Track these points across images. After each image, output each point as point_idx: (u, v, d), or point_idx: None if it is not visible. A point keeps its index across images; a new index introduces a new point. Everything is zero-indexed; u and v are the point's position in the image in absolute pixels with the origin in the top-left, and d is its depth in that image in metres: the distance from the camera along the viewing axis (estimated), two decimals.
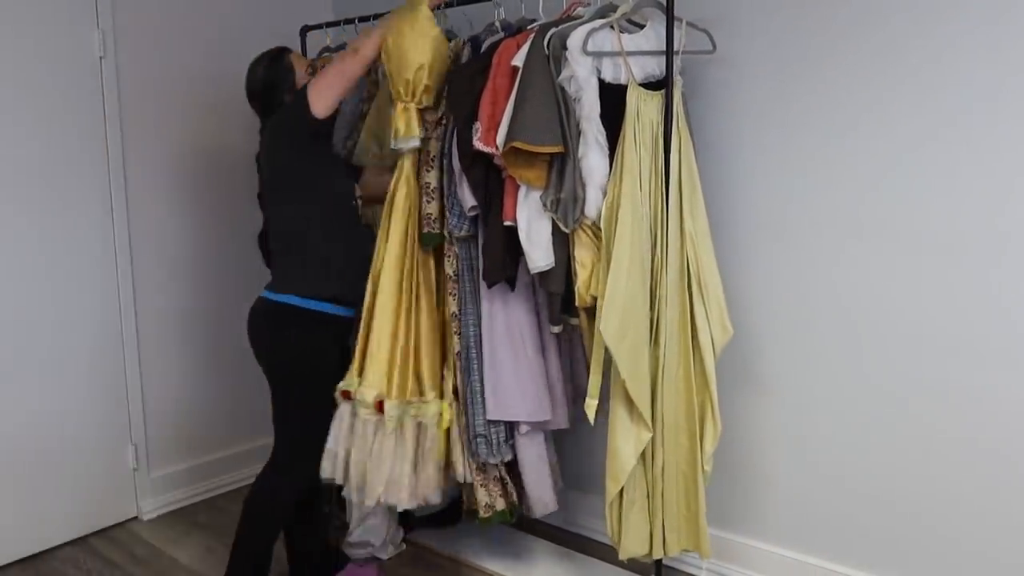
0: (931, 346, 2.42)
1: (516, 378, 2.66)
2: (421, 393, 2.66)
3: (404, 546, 3.13)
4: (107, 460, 3.38)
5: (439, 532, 3.24)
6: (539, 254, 2.41)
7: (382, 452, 2.59)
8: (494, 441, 2.70)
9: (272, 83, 2.66)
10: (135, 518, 3.48)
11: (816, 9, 2.49)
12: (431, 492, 2.66)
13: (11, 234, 3.05)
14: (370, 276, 2.65)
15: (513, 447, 2.76)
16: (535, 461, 2.77)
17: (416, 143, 2.58)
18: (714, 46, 2.60)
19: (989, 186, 2.28)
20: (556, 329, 2.62)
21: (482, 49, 2.64)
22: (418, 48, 2.49)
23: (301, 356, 2.59)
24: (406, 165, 2.62)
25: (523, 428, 2.73)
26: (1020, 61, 2.20)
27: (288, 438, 2.63)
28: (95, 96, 3.24)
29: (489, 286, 2.59)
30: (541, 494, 2.78)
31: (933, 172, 2.36)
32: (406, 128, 2.55)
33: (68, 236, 3.19)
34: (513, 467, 2.80)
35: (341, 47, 3.14)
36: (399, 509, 2.69)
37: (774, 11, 2.57)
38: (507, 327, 2.66)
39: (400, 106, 2.55)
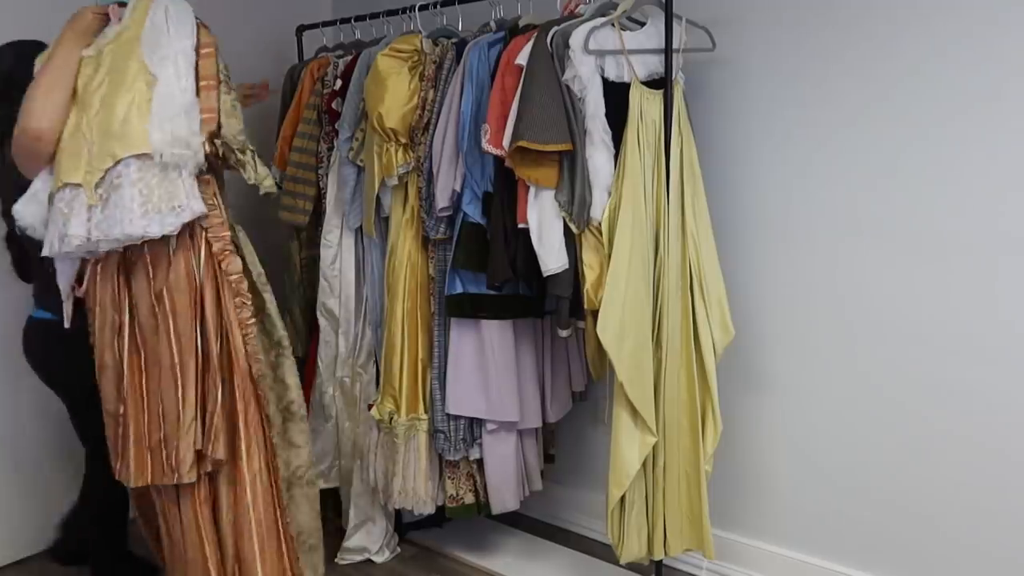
0: (930, 345, 2.41)
1: (478, 376, 2.68)
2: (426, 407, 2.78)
3: (399, 550, 3.12)
4: None
5: (439, 532, 3.23)
6: (551, 256, 2.37)
7: (398, 463, 2.73)
8: (453, 436, 2.73)
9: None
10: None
11: (816, 8, 2.49)
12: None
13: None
14: (386, 291, 2.78)
15: (481, 445, 2.78)
16: (500, 460, 2.77)
17: (395, 180, 2.69)
18: (713, 43, 2.58)
19: (988, 185, 2.27)
20: (564, 333, 2.61)
21: (466, 50, 2.62)
22: (375, 97, 2.64)
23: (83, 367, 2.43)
24: (409, 190, 2.73)
25: (489, 426, 2.73)
26: (1019, 61, 2.19)
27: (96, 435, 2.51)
28: None
29: (488, 286, 2.58)
30: (501, 493, 2.79)
31: (932, 171, 2.35)
32: (386, 167, 2.66)
33: None
34: (483, 463, 2.82)
35: (339, 46, 3.15)
36: (417, 513, 2.83)
37: (775, 11, 2.56)
38: (475, 326, 2.67)
39: (384, 146, 2.66)
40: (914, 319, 2.43)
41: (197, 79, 2.21)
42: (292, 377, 2.45)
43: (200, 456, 2.23)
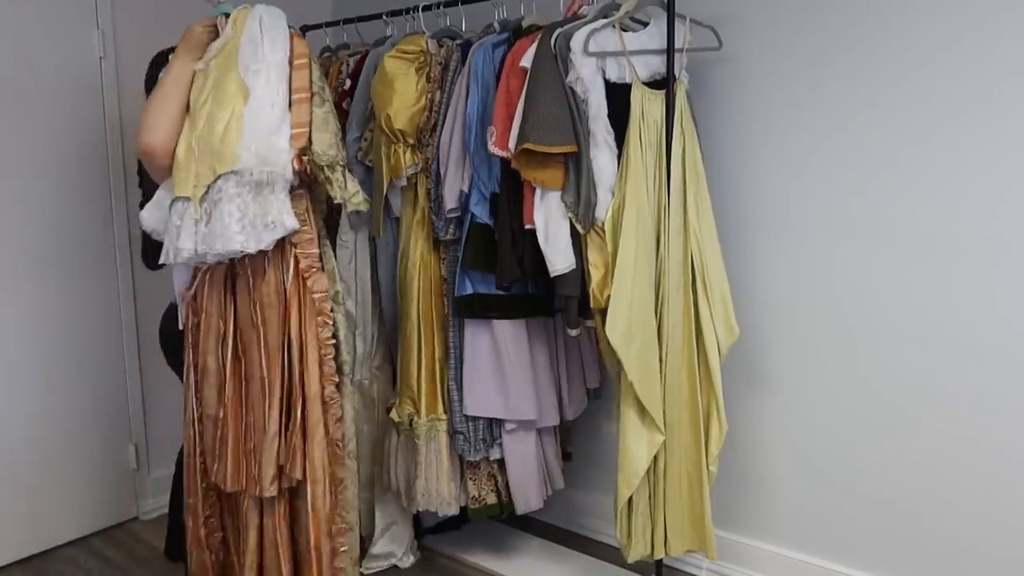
0: (929, 347, 2.42)
1: (495, 376, 2.68)
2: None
3: (420, 553, 3.11)
4: (107, 460, 3.36)
5: (453, 537, 3.23)
6: (558, 257, 2.38)
7: (420, 464, 2.73)
8: (472, 437, 2.73)
9: None
10: (135, 518, 3.46)
11: (810, 12, 2.50)
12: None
13: (11, 234, 3.04)
14: (400, 293, 2.79)
15: (501, 445, 2.77)
16: (521, 459, 2.77)
17: (403, 181, 2.69)
18: (720, 43, 2.58)
19: (981, 187, 2.29)
20: (574, 332, 2.61)
21: (470, 52, 2.62)
22: (383, 98, 2.64)
23: None
24: (418, 192, 2.73)
25: (508, 426, 2.74)
26: (1014, 63, 2.21)
27: None
28: (95, 96, 3.24)
29: (497, 286, 2.59)
30: (525, 492, 2.79)
31: (927, 174, 2.37)
32: (394, 167, 2.65)
33: (68, 236, 3.18)
34: (504, 464, 2.82)
35: (343, 47, 3.15)
36: (441, 515, 2.82)
37: (772, 11, 2.57)
38: (488, 326, 2.67)
39: (392, 147, 2.66)
40: (913, 320, 2.43)
41: (290, 92, 2.22)
42: (348, 404, 2.46)
43: (281, 472, 2.28)
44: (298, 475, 2.27)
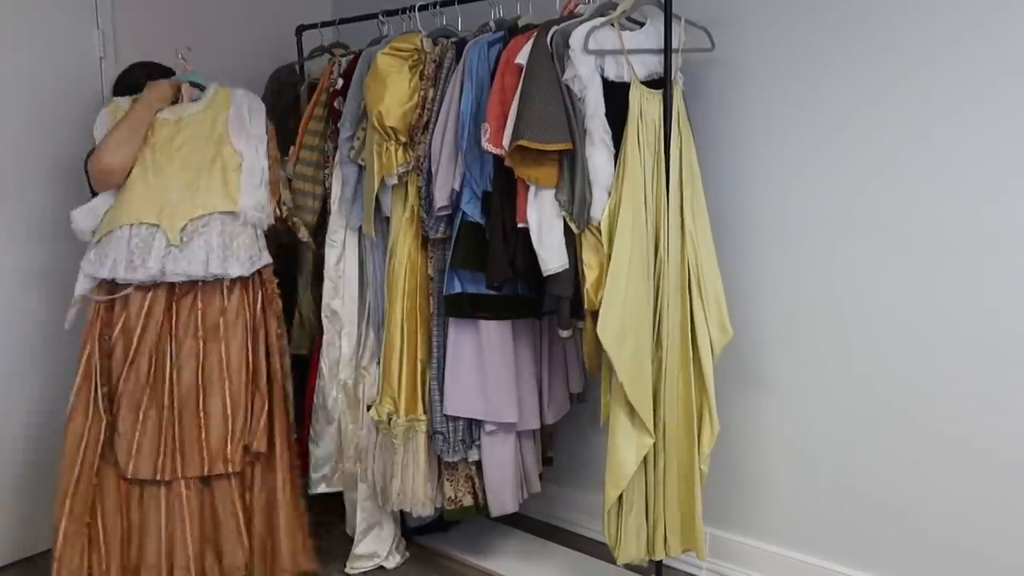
0: (926, 346, 2.42)
1: (476, 377, 2.67)
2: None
3: (408, 554, 3.11)
4: None
5: (442, 534, 3.23)
6: (551, 256, 2.37)
7: (397, 464, 2.76)
8: (452, 438, 2.72)
9: None
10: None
11: (813, 11, 2.50)
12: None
13: (11, 234, 3.05)
14: (386, 291, 2.79)
15: (480, 446, 2.77)
16: (499, 462, 2.76)
17: (394, 179, 2.71)
18: (712, 44, 2.59)
19: (979, 187, 2.29)
20: (565, 334, 2.60)
21: (465, 49, 2.62)
22: (375, 95, 2.67)
23: None
24: (409, 190, 2.72)
25: (488, 428, 2.72)
26: (1010, 63, 2.21)
27: None
28: (95, 96, 3.24)
29: (487, 286, 2.58)
30: (500, 495, 2.78)
31: (924, 173, 2.37)
32: (386, 166, 2.68)
33: (68, 236, 3.17)
34: (481, 465, 2.81)
35: (336, 45, 3.15)
36: (416, 515, 2.83)
37: (771, 11, 2.57)
38: (474, 327, 2.66)
39: (384, 145, 2.68)
40: (910, 319, 2.43)
41: (268, 158, 2.79)
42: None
43: (244, 451, 2.65)
44: (263, 448, 2.67)
